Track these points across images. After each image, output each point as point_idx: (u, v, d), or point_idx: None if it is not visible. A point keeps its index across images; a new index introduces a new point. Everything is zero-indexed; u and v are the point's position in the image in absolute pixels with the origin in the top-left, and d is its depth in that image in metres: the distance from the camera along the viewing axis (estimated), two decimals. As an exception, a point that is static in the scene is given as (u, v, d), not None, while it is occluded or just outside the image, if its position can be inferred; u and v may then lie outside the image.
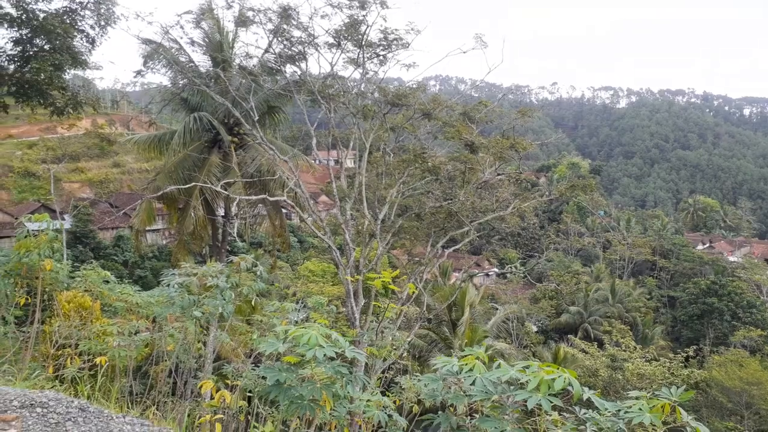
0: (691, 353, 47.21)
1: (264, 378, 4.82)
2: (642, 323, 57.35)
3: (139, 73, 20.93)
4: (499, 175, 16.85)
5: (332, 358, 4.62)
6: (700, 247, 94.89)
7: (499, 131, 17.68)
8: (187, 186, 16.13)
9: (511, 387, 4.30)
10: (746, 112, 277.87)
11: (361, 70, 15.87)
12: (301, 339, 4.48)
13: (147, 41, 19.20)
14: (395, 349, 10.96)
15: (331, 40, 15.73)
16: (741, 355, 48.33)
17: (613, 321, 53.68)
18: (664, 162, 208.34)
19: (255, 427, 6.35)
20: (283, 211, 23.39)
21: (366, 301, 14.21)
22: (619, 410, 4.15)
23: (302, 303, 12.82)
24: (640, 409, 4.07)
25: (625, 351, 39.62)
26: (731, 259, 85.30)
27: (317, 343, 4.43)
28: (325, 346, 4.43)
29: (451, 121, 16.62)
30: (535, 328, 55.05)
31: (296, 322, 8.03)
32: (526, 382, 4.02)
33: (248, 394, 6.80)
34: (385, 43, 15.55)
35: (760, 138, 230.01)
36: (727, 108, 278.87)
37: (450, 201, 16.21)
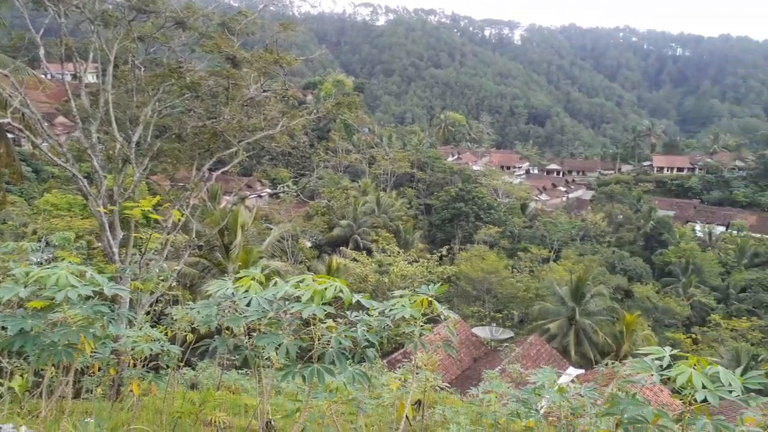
0: (444, 252, 53.51)
1: (4, 329, 4.12)
2: (404, 230, 62.66)
3: None
4: (265, 92, 16.25)
5: (89, 297, 4.28)
6: (450, 158, 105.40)
7: (263, 45, 16.87)
8: None
9: (287, 302, 4.28)
10: (487, 33, 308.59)
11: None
12: (47, 280, 3.97)
13: None
14: (163, 281, 10.26)
15: None
16: (482, 250, 56.24)
17: (380, 230, 57.91)
18: (419, 80, 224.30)
19: (-1, 383, 5.50)
20: (9, 136, 19.83)
21: (125, 233, 12.94)
22: (385, 309, 4.44)
23: (45, 241, 11.18)
24: (403, 306, 4.39)
25: (390, 256, 43.31)
26: (475, 168, 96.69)
27: (68, 283, 3.99)
28: (79, 285, 4.02)
29: (209, 33, 15.36)
30: (309, 244, 56.78)
31: (40, 263, 7.04)
32: (301, 295, 4.03)
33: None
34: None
35: (497, 58, 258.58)
36: (471, 29, 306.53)
37: (214, 120, 15.22)
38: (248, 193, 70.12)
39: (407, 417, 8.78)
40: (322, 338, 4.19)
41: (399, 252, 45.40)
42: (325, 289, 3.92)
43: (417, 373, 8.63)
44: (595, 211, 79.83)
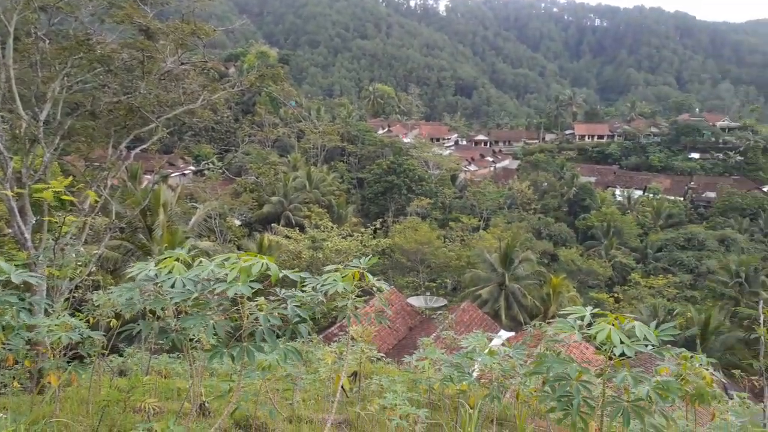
0: (378, 225, 53.83)
1: None
2: (337, 205, 62.26)
3: None
4: (183, 64, 15.49)
5: (-4, 287, 4.03)
6: (380, 131, 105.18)
7: (179, 16, 16.02)
8: None
9: (212, 282, 4.15)
10: (412, 3, 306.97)
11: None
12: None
13: None
14: (82, 266, 9.75)
15: None
16: (415, 222, 56.95)
17: (312, 206, 57.26)
18: (346, 51, 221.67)
19: None
20: None
21: (38, 217, 12.16)
22: (317, 284, 4.40)
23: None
24: (335, 280, 4.36)
25: (323, 231, 43.08)
26: (405, 140, 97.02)
27: (-35, 274, 3.64)
28: (-22, 274, 3.72)
29: (119, 2, 14.42)
30: (238, 222, 55.57)
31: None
32: (226, 274, 3.90)
33: None
34: None
35: (424, 29, 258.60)
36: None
37: (130, 95, 14.40)
38: (170, 171, 67.51)
39: (344, 389, 8.84)
40: (250, 317, 4.10)
41: (332, 227, 45.23)
42: (251, 266, 3.82)
43: (352, 346, 8.67)
44: (521, 180, 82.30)
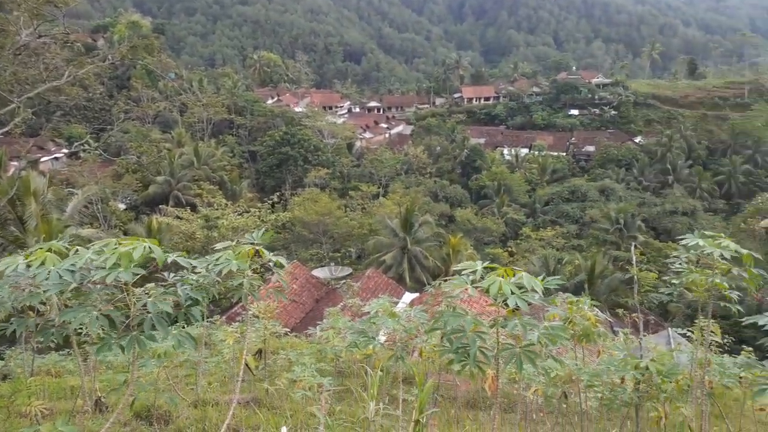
0: (275, 199, 52.89)
1: None
2: (229, 180, 60.56)
3: None
4: (41, 37, 14.07)
5: None
6: (270, 101, 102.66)
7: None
8: None
9: (91, 271, 3.88)
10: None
11: None
12: None
13: None
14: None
15: None
16: (314, 193, 56.56)
17: (202, 183, 55.21)
18: (226, 18, 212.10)
19: None
20: None
21: None
22: (209, 264, 4.27)
23: None
24: (228, 258, 4.23)
25: (217, 209, 41.67)
26: (297, 109, 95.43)
27: None
28: None
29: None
30: (123, 206, 52.59)
31: None
32: (105, 260, 3.66)
33: None
34: None
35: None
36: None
37: (-19, 74, 12.96)
38: (40, 155, 62.19)
39: (249, 367, 8.68)
40: (137, 304, 3.91)
41: (227, 204, 43.83)
42: (132, 250, 3.62)
43: (254, 324, 8.50)
44: (415, 145, 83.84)
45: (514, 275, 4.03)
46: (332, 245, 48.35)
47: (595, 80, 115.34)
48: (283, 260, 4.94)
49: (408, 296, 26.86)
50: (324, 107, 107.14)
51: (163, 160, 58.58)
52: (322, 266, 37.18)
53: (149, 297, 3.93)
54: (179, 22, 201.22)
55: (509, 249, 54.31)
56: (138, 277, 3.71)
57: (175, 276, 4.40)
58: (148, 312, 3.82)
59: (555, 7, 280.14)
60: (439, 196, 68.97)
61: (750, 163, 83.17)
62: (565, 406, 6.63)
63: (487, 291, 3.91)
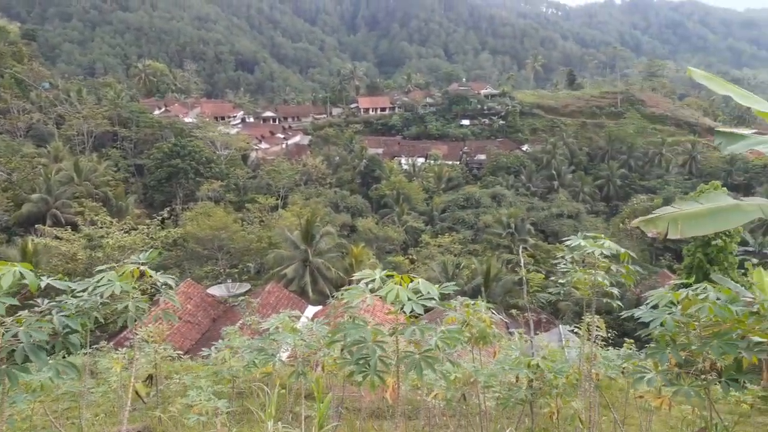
0: (166, 215, 50.60)
1: None
2: (114, 196, 57.35)
3: None
4: None
5: None
6: (157, 112, 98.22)
7: None
8: None
9: None
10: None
11: None
12: None
13: None
14: None
15: None
16: (208, 207, 54.73)
17: (84, 200, 51.84)
18: (106, 25, 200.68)
19: None
20: None
21: None
22: (90, 286, 4.04)
23: None
24: (110, 280, 4.04)
25: (102, 228, 39.09)
26: (187, 120, 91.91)
27: None
28: None
29: None
30: (-8, 228, 48.21)
31: None
32: None
33: None
34: None
35: (193, 0, 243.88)
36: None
37: None
38: None
39: (139, 395, 8.14)
40: (6, 335, 3.65)
41: (112, 222, 41.18)
42: (0, 277, 3.42)
43: (143, 349, 7.99)
44: (314, 155, 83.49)
45: (411, 282, 4.05)
46: (229, 261, 46.91)
47: (484, 91, 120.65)
48: (172, 281, 4.73)
49: (311, 309, 26.59)
50: (216, 117, 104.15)
51: (38, 177, 54.56)
52: (218, 283, 35.82)
53: (21, 326, 3.68)
54: (53, 28, 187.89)
55: (410, 256, 55.37)
56: (6, 306, 3.47)
57: (51, 302, 4.12)
58: (20, 342, 3.58)
59: (444, 20, 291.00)
60: (339, 206, 69.05)
61: (625, 167, 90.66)
62: (465, 407, 6.76)
63: (385, 299, 3.90)
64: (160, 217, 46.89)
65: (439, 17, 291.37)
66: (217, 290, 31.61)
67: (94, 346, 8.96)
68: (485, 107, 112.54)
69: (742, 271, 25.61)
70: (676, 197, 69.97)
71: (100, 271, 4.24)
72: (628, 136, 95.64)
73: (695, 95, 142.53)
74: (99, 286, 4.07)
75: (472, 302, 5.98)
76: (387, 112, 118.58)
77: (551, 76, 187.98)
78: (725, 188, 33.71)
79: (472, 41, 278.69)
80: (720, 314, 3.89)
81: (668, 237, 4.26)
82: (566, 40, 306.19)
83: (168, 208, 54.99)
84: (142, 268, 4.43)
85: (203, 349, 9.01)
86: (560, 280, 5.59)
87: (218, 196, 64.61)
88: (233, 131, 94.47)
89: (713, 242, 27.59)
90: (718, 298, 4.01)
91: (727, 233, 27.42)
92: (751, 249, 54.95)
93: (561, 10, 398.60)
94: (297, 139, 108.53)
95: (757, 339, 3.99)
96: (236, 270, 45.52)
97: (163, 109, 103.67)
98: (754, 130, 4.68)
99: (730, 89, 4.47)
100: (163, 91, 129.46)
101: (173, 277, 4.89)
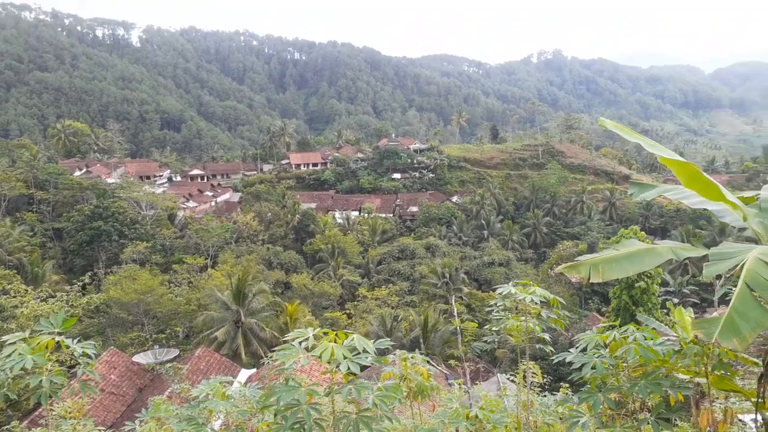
0: (87, 280, 47.94)
1: None
2: (30, 263, 54.06)
3: None
4: None
5: None
6: (77, 173, 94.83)
7: None
8: None
9: None
10: (99, 33, 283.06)
11: None
12: None
13: None
14: None
15: None
16: (133, 269, 52.33)
17: (-5, 269, 48.44)
18: (22, 85, 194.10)
19: None
20: None
21: None
22: None
23: None
24: (21, 354, 3.75)
25: (15, 297, 36.46)
26: (110, 180, 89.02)
27: None
28: None
29: None
30: None
31: None
32: None
33: None
34: None
35: (116, 60, 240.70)
36: (79, 28, 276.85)
37: None
38: None
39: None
40: None
41: (27, 290, 38.53)
42: None
43: (59, 427, 7.38)
44: (245, 212, 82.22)
45: (346, 339, 3.97)
46: (156, 326, 44.72)
47: (413, 146, 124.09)
48: (91, 350, 4.43)
49: (244, 373, 25.56)
50: (141, 177, 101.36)
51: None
52: (144, 350, 33.86)
53: None
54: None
55: (348, 311, 54.65)
56: None
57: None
58: None
59: (371, 79, 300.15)
60: (273, 263, 67.77)
61: (550, 215, 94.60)
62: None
63: (320, 358, 3.79)
64: (80, 283, 44.35)
65: (367, 76, 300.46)
66: (143, 357, 29.87)
67: (5, 427, 8.20)
68: (415, 161, 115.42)
69: (665, 310, 26.88)
70: (599, 242, 73.48)
71: (11, 342, 3.98)
72: (550, 185, 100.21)
73: (610, 146, 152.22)
74: (8, 361, 3.81)
75: (410, 355, 5.91)
76: (319, 167, 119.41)
77: (476, 130, 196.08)
78: (643, 232, 35.67)
79: (399, 99, 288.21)
80: (645, 354, 4.02)
81: (591, 281, 4.40)
82: (488, 96, 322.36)
83: (90, 273, 52.28)
84: (57, 338, 4.14)
85: (126, 423, 8.40)
86: (494, 328, 5.64)
87: (144, 258, 62.10)
88: (159, 190, 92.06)
89: (636, 284, 28.87)
90: (644, 338, 4.15)
91: (649, 275, 28.81)
92: (671, 289, 57.99)
93: (482, 69, 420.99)
94: (227, 196, 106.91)
95: (681, 376, 4.13)
96: (164, 335, 43.35)
97: (84, 170, 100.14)
98: (662, 177, 5.03)
99: (638, 138, 4.78)
100: (85, 152, 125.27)
101: (94, 345, 4.61)
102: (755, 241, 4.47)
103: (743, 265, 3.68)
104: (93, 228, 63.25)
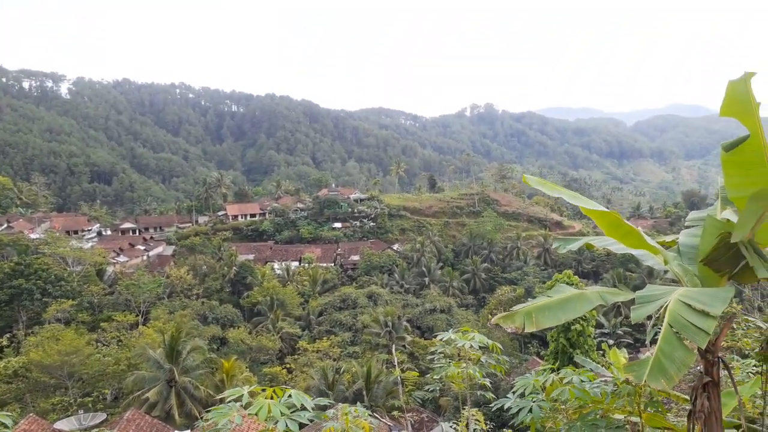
0: (5, 342, 44.81)
1: None
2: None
3: None
4: None
5: None
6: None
7: None
8: None
9: None
10: (26, 85, 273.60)
11: None
12: None
13: None
14: None
15: None
16: (57, 329, 49.35)
17: None
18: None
19: None
20: None
21: None
22: None
23: None
24: None
25: None
26: (33, 236, 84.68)
27: None
28: None
29: None
30: None
31: None
32: None
33: None
34: None
35: (43, 112, 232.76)
36: (4, 80, 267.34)
37: None
38: None
39: None
40: None
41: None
42: None
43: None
44: (178, 266, 79.51)
45: (284, 395, 3.83)
46: (81, 389, 41.97)
47: (353, 196, 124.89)
48: (7, 419, 4.09)
49: (178, 435, 24.16)
50: (68, 232, 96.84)
51: None
52: (68, 416, 31.64)
53: None
54: None
55: (287, 365, 53.10)
56: None
57: None
58: None
59: (310, 131, 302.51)
60: (208, 318, 65.44)
61: (488, 261, 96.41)
62: None
63: (254, 416, 3.63)
64: (-3, 346, 41.42)
65: (305, 128, 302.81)
66: (66, 424, 27.87)
67: None
68: (355, 210, 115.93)
69: (601, 351, 27.53)
70: (536, 286, 75.10)
71: None
72: (487, 232, 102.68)
73: (542, 194, 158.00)
74: None
75: (352, 409, 5.76)
76: (257, 218, 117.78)
77: (414, 180, 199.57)
78: (577, 276, 36.80)
79: (338, 150, 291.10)
80: (580, 396, 4.08)
81: (525, 330, 4.48)
82: (425, 148, 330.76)
83: (8, 335, 48.89)
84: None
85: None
86: (435, 376, 5.60)
87: (69, 317, 58.72)
88: (88, 245, 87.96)
89: (573, 327, 29.57)
90: (579, 381, 4.21)
91: (584, 318, 29.61)
92: (606, 331, 59.69)
93: (418, 122, 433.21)
94: (160, 249, 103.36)
95: (617, 416, 4.20)
96: (90, 398, 40.72)
97: (5, 226, 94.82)
98: (592, 223, 5.29)
99: (560, 191, 4.99)
100: (6, 207, 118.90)
101: (9, 414, 4.25)
102: (678, 282, 4.69)
103: (666, 307, 3.84)
104: (13, 287, 59.53)
